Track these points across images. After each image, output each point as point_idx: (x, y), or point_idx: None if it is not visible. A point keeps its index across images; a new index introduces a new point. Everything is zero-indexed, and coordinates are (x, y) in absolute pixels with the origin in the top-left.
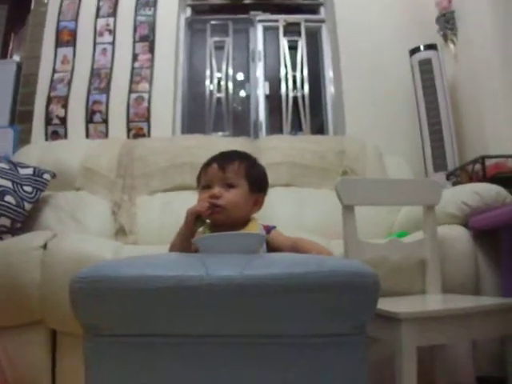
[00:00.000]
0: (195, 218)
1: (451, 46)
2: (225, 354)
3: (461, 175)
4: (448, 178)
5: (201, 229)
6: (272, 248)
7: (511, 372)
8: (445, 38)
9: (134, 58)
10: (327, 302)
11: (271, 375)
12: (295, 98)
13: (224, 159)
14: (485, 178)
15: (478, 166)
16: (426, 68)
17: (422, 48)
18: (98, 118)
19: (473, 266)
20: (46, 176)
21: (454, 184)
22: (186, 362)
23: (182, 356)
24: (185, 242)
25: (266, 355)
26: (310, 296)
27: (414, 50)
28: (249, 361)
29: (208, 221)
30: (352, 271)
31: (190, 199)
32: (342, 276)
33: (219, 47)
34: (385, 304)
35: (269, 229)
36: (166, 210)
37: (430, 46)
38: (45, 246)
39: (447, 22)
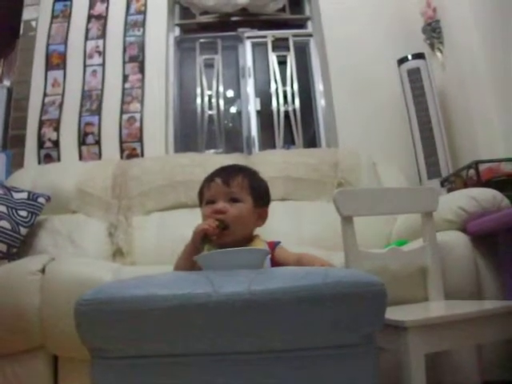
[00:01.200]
0: (202, 237)
1: (438, 54)
2: (236, 371)
3: (455, 181)
4: (442, 184)
5: (206, 247)
6: (276, 264)
7: None
8: (431, 46)
9: (125, 78)
10: (336, 313)
11: None
12: (286, 113)
13: (227, 173)
14: (479, 182)
15: (471, 172)
16: (414, 77)
17: (409, 57)
18: (90, 139)
19: (473, 271)
20: (41, 200)
21: (449, 190)
22: (196, 382)
23: (193, 375)
24: (191, 261)
25: (278, 370)
26: (318, 308)
27: (402, 60)
28: (260, 376)
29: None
30: (358, 281)
31: (186, 218)
32: (349, 286)
33: (209, 65)
34: (389, 313)
35: (274, 245)
36: (163, 230)
37: (418, 55)
38: (43, 271)
39: (433, 31)
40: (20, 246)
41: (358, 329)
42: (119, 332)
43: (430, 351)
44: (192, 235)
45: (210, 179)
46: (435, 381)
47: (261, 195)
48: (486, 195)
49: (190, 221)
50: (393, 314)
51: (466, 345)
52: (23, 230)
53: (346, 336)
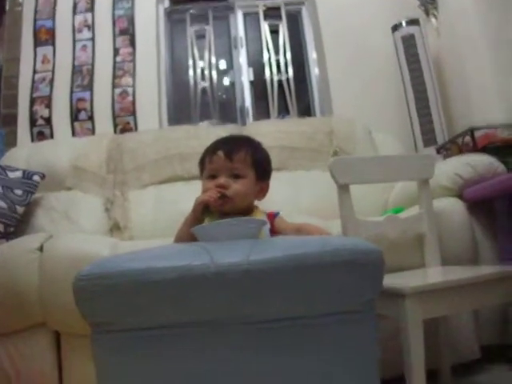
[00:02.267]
0: (203, 208)
1: (433, 19)
2: (236, 340)
3: (451, 148)
4: (438, 151)
5: (207, 219)
6: (276, 234)
7: None
8: (426, 12)
9: (115, 52)
10: (335, 280)
11: (284, 357)
12: (280, 82)
13: (231, 147)
14: (475, 149)
15: (467, 138)
16: (409, 43)
17: (404, 24)
18: (83, 115)
19: (470, 237)
20: (36, 178)
21: (445, 158)
22: (198, 351)
23: (192, 345)
24: (191, 232)
25: (277, 338)
26: (316, 276)
27: (397, 26)
28: (260, 345)
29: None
30: (356, 249)
31: (182, 190)
32: (347, 254)
33: (200, 36)
34: (387, 280)
35: (273, 216)
36: (159, 203)
37: (412, 22)
38: (41, 248)
39: None
40: (17, 224)
41: (357, 296)
42: (118, 305)
43: (428, 317)
44: (193, 206)
45: (212, 151)
46: (434, 346)
47: (263, 169)
48: (482, 161)
49: (187, 193)
50: (391, 281)
51: (464, 310)
52: (19, 209)
53: (346, 303)
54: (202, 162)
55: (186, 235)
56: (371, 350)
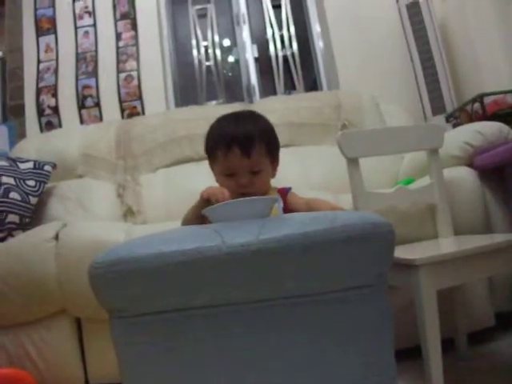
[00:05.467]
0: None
1: None
2: (251, 319)
3: (460, 116)
4: (448, 120)
5: None
6: (288, 210)
7: None
8: None
9: (118, 37)
10: (345, 256)
11: (298, 335)
12: (285, 57)
13: (244, 140)
14: (485, 116)
15: (476, 105)
16: (414, 11)
17: None
18: (89, 102)
19: (481, 206)
20: (47, 168)
21: (455, 126)
22: (213, 333)
23: (208, 327)
24: (199, 219)
25: (291, 316)
26: (327, 253)
27: None
28: (274, 323)
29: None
30: (365, 223)
31: (193, 171)
32: (356, 229)
33: (202, 15)
34: (399, 252)
35: (285, 191)
36: (170, 185)
37: None
38: (56, 237)
39: None
40: (32, 215)
41: (368, 270)
42: (133, 291)
43: (442, 287)
44: (202, 196)
45: (224, 144)
46: (449, 315)
47: (275, 149)
48: (492, 128)
49: (197, 174)
50: (404, 252)
51: (477, 279)
52: (33, 200)
53: (357, 278)
54: (211, 151)
55: (193, 220)
56: (385, 323)
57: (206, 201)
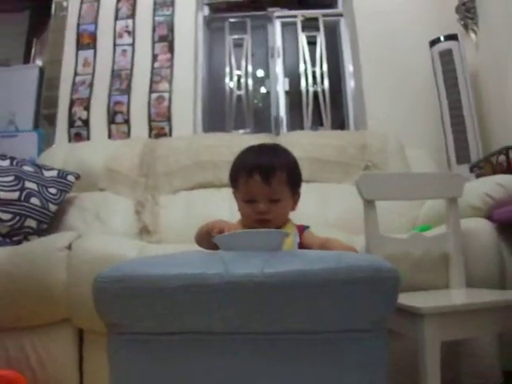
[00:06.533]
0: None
1: (472, 35)
2: (245, 350)
3: (484, 167)
4: (471, 170)
5: None
6: (303, 247)
7: None
8: (465, 27)
9: (154, 58)
10: (346, 297)
11: (292, 371)
12: (315, 93)
13: (266, 169)
14: (509, 169)
15: (502, 158)
16: (446, 59)
17: (442, 39)
18: (119, 118)
19: (497, 260)
20: (70, 178)
21: (478, 176)
22: (208, 359)
23: (203, 353)
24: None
25: (287, 352)
26: (328, 292)
27: (435, 41)
28: (270, 358)
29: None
30: (370, 266)
31: (213, 197)
32: (360, 271)
33: (238, 44)
34: (408, 299)
35: (302, 229)
36: (189, 209)
37: (451, 37)
38: (69, 247)
39: (468, 11)
40: (49, 222)
41: (370, 314)
42: (133, 309)
43: (447, 339)
44: (211, 225)
45: (247, 172)
46: (453, 369)
47: (297, 182)
48: None
49: (217, 200)
50: (411, 299)
51: (484, 334)
52: (53, 207)
53: (357, 321)
54: (234, 179)
55: (202, 239)
56: (380, 369)
57: (208, 234)
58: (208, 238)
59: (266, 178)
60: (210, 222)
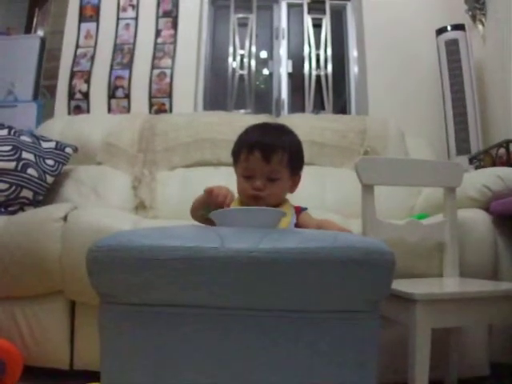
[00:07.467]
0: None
1: (480, 26)
2: (236, 326)
3: (484, 159)
4: (471, 161)
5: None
6: (299, 227)
7: None
8: (473, 18)
9: (157, 33)
10: (341, 277)
11: (281, 349)
12: (318, 77)
13: (267, 146)
14: (509, 162)
15: (502, 151)
16: (452, 49)
17: (449, 28)
18: (120, 93)
19: (492, 251)
20: (68, 150)
21: (477, 168)
22: (198, 333)
23: (193, 327)
24: (201, 208)
25: (277, 329)
26: (323, 271)
27: (441, 30)
28: (260, 334)
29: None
30: (367, 247)
31: (210, 175)
32: (357, 252)
33: (243, 24)
34: (401, 285)
35: (300, 210)
36: (186, 186)
37: (458, 27)
38: (65, 218)
39: (476, 2)
40: (46, 193)
41: (363, 295)
42: (127, 279)
43: (438, 326)
44: (208, 192)
45: (248, 148)
46: (442, 357)
47: (297, 165)
48: None
49: (214, 178)
50: (404, 286)
51: (476, 324)
52: (49, 179)
53: (350, 302)
54: (236, 154)
55: (197, 210)
56: (370, 351)
57: (208, 193)
58: (205, 207)
59: (266, 156)
60: (211, 187)
